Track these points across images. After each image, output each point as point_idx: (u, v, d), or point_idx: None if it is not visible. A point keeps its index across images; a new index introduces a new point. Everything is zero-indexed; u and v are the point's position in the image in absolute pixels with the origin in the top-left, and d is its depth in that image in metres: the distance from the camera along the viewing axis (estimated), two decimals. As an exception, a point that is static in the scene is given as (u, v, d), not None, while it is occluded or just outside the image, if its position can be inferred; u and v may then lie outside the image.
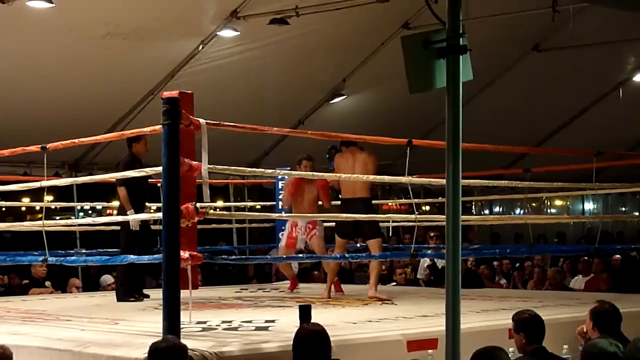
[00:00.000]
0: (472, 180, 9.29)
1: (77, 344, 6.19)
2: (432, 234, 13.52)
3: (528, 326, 6.12)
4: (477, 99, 15.38)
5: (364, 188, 9.57)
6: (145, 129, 6.98)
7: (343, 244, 9.98)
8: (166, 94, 6.18)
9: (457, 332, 4.45)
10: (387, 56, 14.06)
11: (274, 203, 12.08)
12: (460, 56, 4.41)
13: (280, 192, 11.79)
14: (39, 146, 8.11)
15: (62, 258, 8.32)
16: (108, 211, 12.08)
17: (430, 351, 6.33)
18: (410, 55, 4.45)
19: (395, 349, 6.44)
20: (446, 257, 4.54)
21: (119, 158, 10.27)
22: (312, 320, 5.92)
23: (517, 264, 14.36)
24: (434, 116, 14.97)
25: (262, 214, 11.51)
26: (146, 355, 5.23)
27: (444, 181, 4.59)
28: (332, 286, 10.03)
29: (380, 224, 13.78)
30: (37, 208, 17.34)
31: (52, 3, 10.98)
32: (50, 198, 10.68)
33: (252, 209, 14.20)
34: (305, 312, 5.98)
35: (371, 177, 8.60)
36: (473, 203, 19.88)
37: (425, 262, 13.80)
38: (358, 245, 13.48)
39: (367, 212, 9.30)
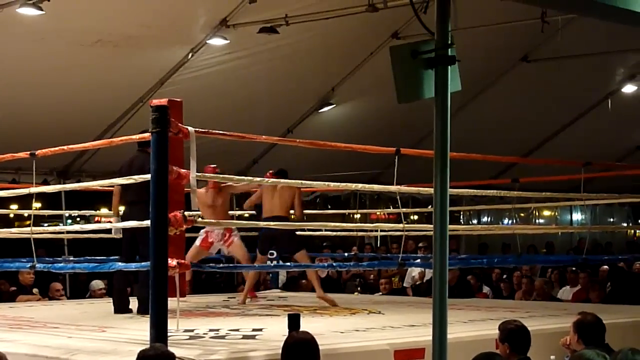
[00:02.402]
0: (460, 190, 9.30)
1: (65, 352, 6.19)
2: (421, 244, 13.54)
3: (513, 337, 6.14)
4: (466, 109, 15.43)
5: (282, 208, 10.21)
6: (134, 137, 6.99)
7: (263, 260, 10.41)
8: (155, 101, 6.19)
9: (444, 341, 4.46)
10: (376, 66, 14.08)
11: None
12: (449, 67, 4.42)
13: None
14: (28, 153, 8.10)
15: (50, 265, 8.29)
16: (96, 218, 12.04)
17: (417, 361, 6.35)
18: (398, 65, 4.46)
19: (382, 358, 6.44)
20: (433, 266, 4.55)
21: (108, 165, 10.25)
22: (299, 329, 5.93)
23: (505, 275, 14.37)
24: (423, 125, 14.92)
25: (250, 222, 11.49)
26: (133, 363, 5.23)
27: (432, 190, 4.61)
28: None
29: (369, 233, 13.82)
30: (26, 215, 17.28)
31: (42, 10, 10.97)
32: (39, 205, 10.64)
33: (240, 217, 14.16)
34: (294, 322, 5.98)
35: (360, 186, 8.59)
36: (461, 213, 19.90)
37: (412, 271, 13.81)
38: (346, 254, 13.51)
39: (282, 228, 9.66)
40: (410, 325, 7.85)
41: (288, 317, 6.03)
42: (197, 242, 10.47)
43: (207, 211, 10.07)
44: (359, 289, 14.29)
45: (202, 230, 10.32)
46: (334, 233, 12.55)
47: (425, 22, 4.85)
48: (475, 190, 10.01)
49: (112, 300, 9.33)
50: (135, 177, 7.05)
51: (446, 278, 4.56)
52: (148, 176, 6.14)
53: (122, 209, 9.55)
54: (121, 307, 9.13)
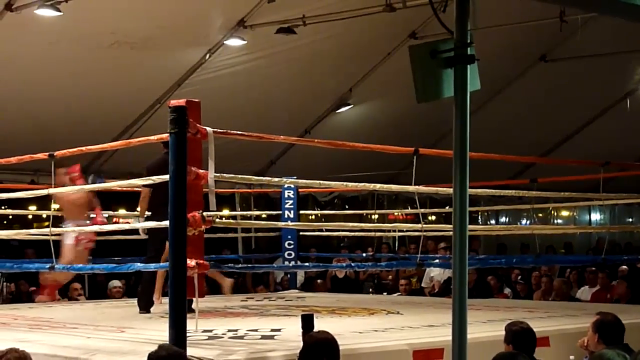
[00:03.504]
0: (478, 190, 9.28)
1: (84, 352, 6.20)
2: (442, 245, 13.50)
3: (517, 338, 6.12)
4: (484, 109, 15.37)
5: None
6: (152, 137, 6.99)
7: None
8: (173, 102, 6.19)
9: (464, 342, 4.45)
10: (394, 66, 14.06)
11: (280, 212, 12.07)
12: (468, 66, 4.41)
13: (287, 200, 11.79)
14: (47, 154, 8.11)
15: (69, 266, 8.31)
16: (114, 219, 12.07)
17: (436, 361, 6.33)
18: (417, 65, 4.45)
19: (401, 358, 6.43)
20: (453, 266, 4.53)
21: (125, 166, 10.27)
22: (318, 329, 5.91)
23: (519, 277, 14.30)
24: (441, 125, 14.97)
25: (268, 222, 11.50)
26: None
27: (450, 190, 4.59)
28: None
29: (387, 234, 13.78)
30: (44, 216, 17.35)
31: (60, 12, 11.01)
32: (57, 206, 10.68)
33: (258, 217, 14.19)
34: (307, 322, 5.97)
35: (378, 186, 8.57)
36: (480, 213, 19.84)
37: (430, 272, 13.78)
38: (364, 255, 13.50)
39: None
40: (429, 325, 7.84)
41: (302, 317, 6.01)
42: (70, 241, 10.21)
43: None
44: (370, 290, 14.28)
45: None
46: (352, 233, 12.54)
47: (444, 22, 4.83)
48: (493, 191, 9.98)
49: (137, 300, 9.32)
50: (154, 177, 7.06)
51: (466, 278, 4.54)
52: (166, 177, 6.15)
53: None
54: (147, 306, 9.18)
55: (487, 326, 7.66)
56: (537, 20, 13.27)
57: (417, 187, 8.28)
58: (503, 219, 21.34)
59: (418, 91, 4.46)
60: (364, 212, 16.87)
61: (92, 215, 10.46)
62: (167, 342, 5.63)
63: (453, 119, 4.41)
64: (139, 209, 9.34)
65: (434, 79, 4.44)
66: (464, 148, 4.38)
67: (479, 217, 20.51)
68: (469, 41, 4.42)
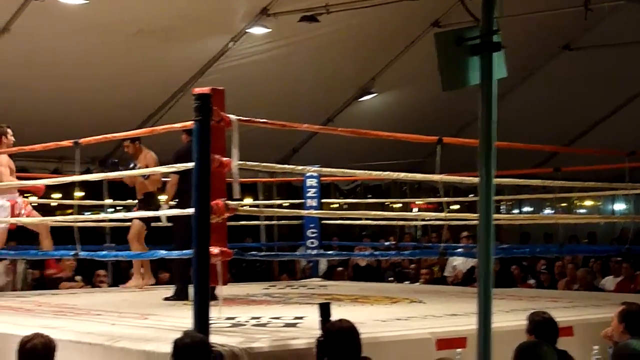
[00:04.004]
0: (503, 180, 9.23)
1: (108, 339, 6.23)
2: (464, 234, 13.47)
3: (539, 328, 6.10)
4: (507, 98, 15.30)
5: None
6: (176, 125, 6.99)
7: None
8: (197, 90, 6.18)
9: (489, 331, 4.42)
10: (417, 54, 14.04)
11: (302, 201, 12.06)
12: (494, 53, 4.37)
13: (310, 189, 11.77)
14: (72, 141, 8.14)
15: (93, 252, 8.34)
16: (134, 208, 12.13)
17: (458, 350, 6.30)
18: (443, 53, 4.41)
19: (424, 347, 6.42)
20: (479, 256, 4.51)
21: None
22: (340, 318, 5.90)
23: (544, 266, 14.24)
24: (464, 114, 14.94)
25: (291, 210, 11.48)
26: (171, 350, 5.23)
27: (474, 180, 4.56)
28: None
29: (409, 223, 13.76)
30: (68, 204, 17.39)
31: (85, 0, 11.04)
32: (82, 194, 10.73)
33: (280, 206, 14.21)
34: (325, 310, 5.95)
35: (402, 175, 8.55)
36: (503, 202, 19.76)
37: (453, 261, 13.76)
38: (386, 243, 13.49)
39: None
40: (452, 314, 7.82)
41: (319, 306, 5.99)
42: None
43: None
44: (391, 278, 14.28)
45: (5, 201, 9.85)
46: (375, 222, 12.51)
47: (469, 9, 4.80)
48: (518, 180, 9.93)
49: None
50: (178, 165, 7.07)
51: (491, 268, 4.51)
52: (190, 165, 6.15)
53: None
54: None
55: (510, 316, 7.63)
56: (562, 9, 13.20)
57: (441, 176, 8.25)
58: (526, 208, 21.27)
59: (443, 79, 4.42)
60: (387, 200, 16.86)
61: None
62: (192, 329, 5.64)
63: (479, 108, 4.37)
64: (165, 195, 9.39)
65: (459, 66, 4.40)
66: (490, 137, 4.34)
67: (503, 207, 20.42)
68: (495, 28, 4.38)
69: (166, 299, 9.08)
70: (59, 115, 12.84)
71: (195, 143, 6.02)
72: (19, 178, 10.35)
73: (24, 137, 9.84)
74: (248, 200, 14.46)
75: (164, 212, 8.58)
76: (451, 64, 4.43)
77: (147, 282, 10.74)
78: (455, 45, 4.43)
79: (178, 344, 5.14)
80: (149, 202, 10.12)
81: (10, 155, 9.90)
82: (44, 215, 10.38)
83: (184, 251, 6.65)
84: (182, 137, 9.06)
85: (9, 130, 9.82)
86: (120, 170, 9.83)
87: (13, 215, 9.75)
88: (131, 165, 9.96)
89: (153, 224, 10.13)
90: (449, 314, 7.84)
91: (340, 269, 14.31)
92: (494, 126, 4.45)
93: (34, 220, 9.82)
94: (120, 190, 12.84)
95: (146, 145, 10.18)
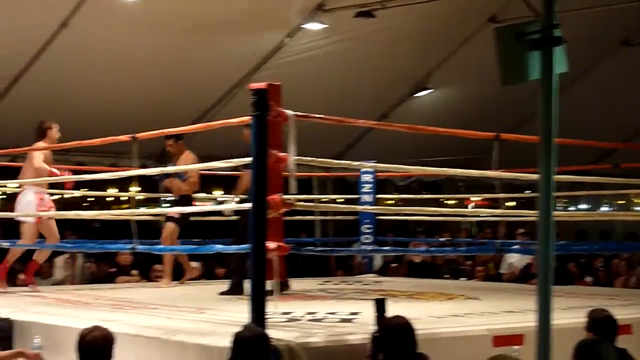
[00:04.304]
0: (561, 176, 9.13)
1: (165, 332, 6.27)
2: (520, 231, 13.37)
3: (599, 326, 6.03)
4: (565, 93, 15.07)
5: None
6: (232, 120, 7.01)
7: None
8: (254, 85, 6.19)
9: (548, 328, 4.39)
10: (473, 50, 13.96)
11: (358, 196, 12.05)
12: (555, 48, 4.34)
13: (365, 184, 11.75)
14: (129, 136, 8.20)
15: (150, 246, 8.40)
16: (193, 202, 12.20)
17: (515, 347, 6.25)
18: (502, 47, 4.39)
19: (480, 343, 6.38)
20: (538, 252, 4.47)
21: (205, 149, 10.32)
22: (397, 314, 5.88)
23: (601, 263, 14.09)
24: (520, 110, 14.82)
25: (348, 206, 11.46)
26: (230, 344, 5.25)
27: (531, 176, 4.52)
28: None
29: (465, 219, 13.66)
30: (123, 199, 17.57)
31: (141, -4, 11.16)
32: (138, 189, 10.81)
33: (334, 201, 14.21)
34: (380, 306, 5.94)
35: (458, 171, 8.50)
36: (559, 199, 19.56)
37: (509, 258, 13.67)
38: (441, 240, 13.42)
39: None
40: (509, 311, 7.77)
41: (374, 301, 5.98)
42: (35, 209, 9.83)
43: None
44: (447, 275, 14.22)
45: (33, 195, 9.86)
46: (430, 218, 12.47)
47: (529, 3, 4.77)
48: (575, 177, 9.83)
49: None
50: (234, 160, 7.08)
51: (551, 265, 4.47)
52: (248, 160, 6.17)
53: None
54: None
55: (567, 313, 7.55)
56: (621, 4, 13.04)
57: (497, 172, 8.19)
58: (582, 205, 21.04)
59: (503, 74, 4.40)
60: (442, 196, 16.77)
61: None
62: (251, 323, 5.65)
63: (539, 103, 4.34)
64: (235, 191, 9.39)
65: (519, 61, 4.37)
66: (550, 133, 4.31)
67: (559, 203, 20.21)
68: (556, 23, 4.35)
69: (222, 293, 9.12)
70: (116, 110, 12.95)
71: (252, 138, 6.04)
72: (76, 172, 10.46)
73: (81, 131, 9.94)
74: (302, 196, 14.46)
75: (223, 207, 8.60)
76: (511, 58, 4.41)
77: (190, 276, 10.86)
78: (514, 39, 4.40)
79: (238, 337, 5.15)
80: (186, 204, 10.17)
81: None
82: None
83: (241, 246, 6.66)
84: (245, 132, 9.02)
85: (54, 126, 9.91)
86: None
87: (39, 210, 9.88)
88: (181, 177, 10.08)
89: (213, 218, 10.14)
90: (505, 311, 7.79)
91: (394, 265, 14.27)
92: (554, 122, 4.41)
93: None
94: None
95: (203, 140, 10.24)
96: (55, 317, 7.33)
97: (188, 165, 9.75)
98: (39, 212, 9.71)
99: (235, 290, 9.03)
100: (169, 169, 9.49)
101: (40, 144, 9.83)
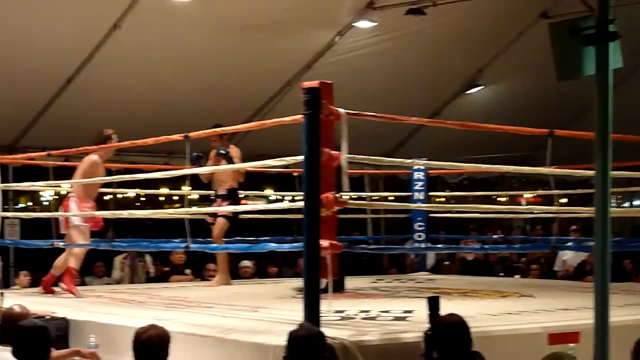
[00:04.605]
0: (614, 172, 9.02)
1: (219, 331, 6.29)
2: (574, 227, 13.25)
3: None
4: (620, 88, 14.94)
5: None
6: (285, 119, 7.02)
7: None
8: (307, 84, 6.20)
9: (606, 325, 4.35)
10: (524, 46, 13.85)
11: (409, 194, 12.02)
12: (610, 43, 4.30)
13: (417, 182, 11.71)
14: (182, 135, 8.24)
15: (203, 245, 8.43)
16: (243, 201, 12.22)
17: (571, 345, 6.20)
18: (557, 43, 4.37)
19: (536, 341, 6.33)
20: (595, 250, 4.43)
21: (256, 148, 10.33)
22: (451, 312, 5.86)
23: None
24: (572, 106, 14.70)
25: (400, 204, 11.43)
26: (286, 342, 5.27)
27: (585, 172, 4.48)
28: None
29: (517, 216, 13.54)
30: (175, 198, 17.69)
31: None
32: (189, 188, 10.86)
33: (386, 199, 14.18)
34: (434, 304, 5.92)
35: (511, 168, 8.44)
36: (613, 195, 19.32)
37: (562, 255, 13.56)
38: (495, 237, 13.34)
39: None
40: (564, 308, 7.71)
41: (428, 300, 5.96)
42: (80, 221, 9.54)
43: None
44: (501, 274, 14.13)
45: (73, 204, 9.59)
46: (483, 215, 12.39)
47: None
48: (629, 173, 9.71)
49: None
50: (287, 158, 7.08)
51: (608, 262, 4.43)
52: (300, 158, 6.18)
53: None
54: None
55: (624, 310, 7.48)
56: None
57: (550, 168, 8.11)
58: (637, 202, 20.80)
59: (558, 69, 4.38)
60: (495, 193, 16.67)
61: None
62: (307, 322, 5.66)
63: (594, 99, 4.31)
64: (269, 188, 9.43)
65: (574, 57, 4.35)
66: (606, 128, 4.28)
67: (613, 200, 19.98)
68: (610, 18, 4.32)
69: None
70: (168, 110, 13.03)
71: (305, 137, 6.05)
72: (129, 171, 10.51)
73: (134, 131, 10.01)
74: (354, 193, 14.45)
75: (274, 205, 8.61)
76: (566, 54, 4.39)
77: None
78: (569, 35, 4.38)
79: (293, 336, 5.17)
80: (233, 197, 10.16)
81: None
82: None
83: (295, 244, 6.67)
84: None
85: (114, 137, 9.83)
86: (202, 164, 9.90)
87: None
88: (222, 152, 9.98)
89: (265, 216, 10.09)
90: (560, 309, 7.73)
91: (447, 263, 14.21)
92: (609, 117, 4.38)
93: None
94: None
95: (255, 139, 10.26)
96: (111, 316, 7.39)
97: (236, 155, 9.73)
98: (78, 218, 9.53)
99: (334, 287, 9.08)
100: (223, 167, 9.45)
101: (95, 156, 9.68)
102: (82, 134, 10.35)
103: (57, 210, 9.83)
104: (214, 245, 9.63)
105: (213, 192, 10.82)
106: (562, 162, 10.17)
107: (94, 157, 9.65)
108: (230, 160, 9.87)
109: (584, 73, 4.41)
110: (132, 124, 11.74)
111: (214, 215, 10.22)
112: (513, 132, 8.44)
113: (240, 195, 10.56)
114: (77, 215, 9.44)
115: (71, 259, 9.49)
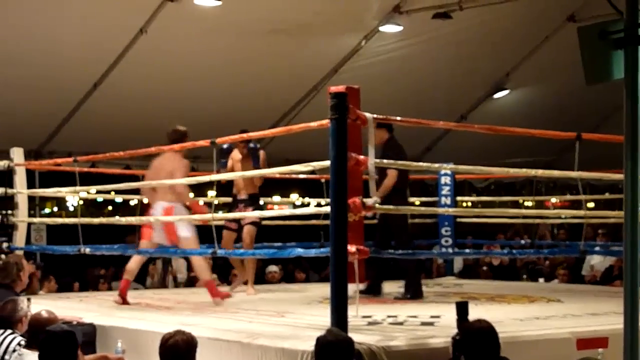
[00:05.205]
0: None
1: (246, 336, 6.29)
2: (600, 232, 13.17)
3: None
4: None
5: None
6: (312, 124, 7.01)
7: None
8: (333, 88, 6.19)
9: (636, 330, 4.32)
10: (551, 50, 13.79)
11: (436, 199, 11.98)
12: (639, 47, 4.28)
13: (444, 187, 11.65)
14: (208, 141, 8.25)
15: (230, 251, 8.42)
16: (268, 206, 12.22)
17: (600, 350, 6.16)
18: (586, 46, 4.35)
19: (564, 346, 6.32)
20: (624, 254, 4.40)
21: (284, 153, 10.27)
22: (480, 318, 5.83)
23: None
24: (600, 110, 14.62)
25: (428, 208, 11.37)
26: (313, 348, 5.26)
27: (613, 176, 4.45)
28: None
29: (545, 220, 13.49)
30: (201, 203, 17.64)
31: (219, 1, 11.22)
32: (214, 193, 10.85)
33: (413, 204, 14.13)
34: (462, 309, 5.90)
35: (539, 172, 8.38)
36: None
37: (590, 260, 13.47)
38: (522, 242, 13.27)
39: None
40: (592, 313, 7.67)
41: (456, 305, 5.94)
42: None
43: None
44: (524, 276, 14.05)
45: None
46: (510, 220, 12.33)
47: (611, 2, 4.70)
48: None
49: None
50: (314, 163, 7.06)
51: (637, 266, 4.40)
52: (327, 163, 6.16)
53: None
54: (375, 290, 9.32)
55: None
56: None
57: (579, 172, 8.06)
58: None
59: (587, 73, 4.36)
60: (522, 198, 16.59)
61: None
62: (335, 327, 5.64)
63: (623, 102, 4.28)
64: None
65: (603, 60, 4.33)
66: (635, 132, 4.25)
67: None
68: (639, 21, 4.29)
69: (396, 298, 9.18)
70: (194, 115, 13.02)
71: (332, 141, 6.04)
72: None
73: (160, 136, 10.01)
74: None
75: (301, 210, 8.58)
76: (594, 57, 4.37)
77: (238, 283, 10.61)
78: (598, 38, 4.36)
79: (321, 341, 5.16)
80: (256, 202, 10.07)
81: (147, 155, 9.82)
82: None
83: (322, 249, 6.65)
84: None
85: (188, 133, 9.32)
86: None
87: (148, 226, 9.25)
88: (252, 145, 9.87)
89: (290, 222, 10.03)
90: (588, 313, 7.69)
91: (485, 268, 14.14)
92: (639, 121, 4.35)
93: (145, 219, 9.69)
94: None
95: (282, 143, 10.20)
96: (138, 322, 7.41)
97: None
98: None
99: (414, 294, 9.20)
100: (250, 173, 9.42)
101: (175, 155, 9.10)
102: (108, 138, 10.37)
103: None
104: (241, 251, 9.60)
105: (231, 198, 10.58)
106: (588, 166, 10.13)
107: (184, 159, 9.16)
108: (257, 159, 9.74)
109: (612, 76, 4.39)
110: (159, 129, 11.74)
111: (235, 220, 9.99)
112: (540, 136, 8.40)
113: (261, 202, 10.40)
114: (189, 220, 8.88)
115: (202, 273, 9.23)
